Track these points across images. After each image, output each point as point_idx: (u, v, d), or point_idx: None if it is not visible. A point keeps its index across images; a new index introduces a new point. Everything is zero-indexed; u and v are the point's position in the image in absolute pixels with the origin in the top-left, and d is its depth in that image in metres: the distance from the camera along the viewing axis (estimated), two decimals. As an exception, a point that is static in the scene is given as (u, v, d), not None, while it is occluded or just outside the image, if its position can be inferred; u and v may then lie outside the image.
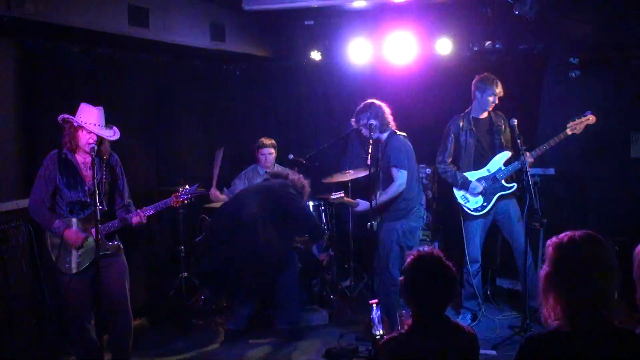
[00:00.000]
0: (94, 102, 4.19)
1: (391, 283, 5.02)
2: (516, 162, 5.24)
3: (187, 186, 4.45)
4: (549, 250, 2.23)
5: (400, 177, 4.94)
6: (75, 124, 4.04)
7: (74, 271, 4.09)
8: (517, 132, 5.20)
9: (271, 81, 7.43)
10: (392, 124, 5.12)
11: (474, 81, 5.40)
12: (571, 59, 5.92)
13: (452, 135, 5.46)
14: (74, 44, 5.21)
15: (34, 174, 4.72)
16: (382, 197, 5.03)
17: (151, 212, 4.27)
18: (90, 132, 4.03)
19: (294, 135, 7.32)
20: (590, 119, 5.16)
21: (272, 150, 6.34)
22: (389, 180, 5.01)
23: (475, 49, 6.17)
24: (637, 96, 5.84)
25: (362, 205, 5.13)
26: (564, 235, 2.21)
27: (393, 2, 5.45)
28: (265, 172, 6.41)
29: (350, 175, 6.04)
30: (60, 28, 4.56)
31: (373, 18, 6.40)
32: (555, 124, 5.72)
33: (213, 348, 5.23)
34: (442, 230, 6.57)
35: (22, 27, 4.50)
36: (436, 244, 6.36)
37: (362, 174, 5.90)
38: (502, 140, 5.39)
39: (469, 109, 5.48)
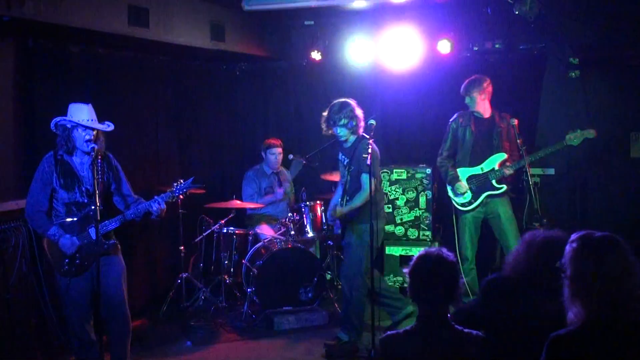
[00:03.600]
0: (94, 102, 4.19)
1: (365, 287, 4.91)
2: (509, 166, 5.30)
3: (181, 180, 4.35)
4: (570, 250, 2.24)
5: (369, 184, 4.68)
6: (69, 125, 4.01)
7: (73, 273, 4.09)
8: (517, 131, 5.21)
9: (271, 81, 7.43)
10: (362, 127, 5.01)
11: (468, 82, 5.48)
12: (571, 59, 5.92)
13: (451, 131, 5.61)
14: (74, 44, 5.20)
15: (34, 174, 4.72)
16: (355, 203, 4.91)
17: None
18: (86, 129, 4.00)
19: (294, 135, 7.32)
20: (592, 133, 5.19)
21: (281, 150, 6.46)
22: (357, 183, 4.89)
23: (475, 49, 6.18)
24: (637, 96, 5.84)
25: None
26: (583, 237, 2.23)
27: (393, 2, 5.45)
28: (272, 172, 6.46)
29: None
30: (60, 28, 4.55)
31: (373, 18, 6.40)
32: (555, 124, 5.74)
33: (213, 348, 5.23)
34: (442, 230, 6.58)
35: (22, 27, 4.49)
36: (436, 245, 6.36)
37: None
38: (501, 142, 5.42)
39: (470, 107, 5.53)
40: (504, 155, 5.40)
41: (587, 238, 2.22)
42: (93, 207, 3.90)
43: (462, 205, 5.59)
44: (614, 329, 2.15)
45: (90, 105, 4.10)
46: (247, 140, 6.97)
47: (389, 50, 6.36)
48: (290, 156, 6.46)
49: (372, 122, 4.94)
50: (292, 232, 5.95)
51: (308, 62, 6.92)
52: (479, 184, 5.48)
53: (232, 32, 6.27)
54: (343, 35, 6.62)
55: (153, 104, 6.18)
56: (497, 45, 6.07)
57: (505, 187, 5.39)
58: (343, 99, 5.00)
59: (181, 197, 4.39)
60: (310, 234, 6.11)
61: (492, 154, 5.44)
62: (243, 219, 6.49)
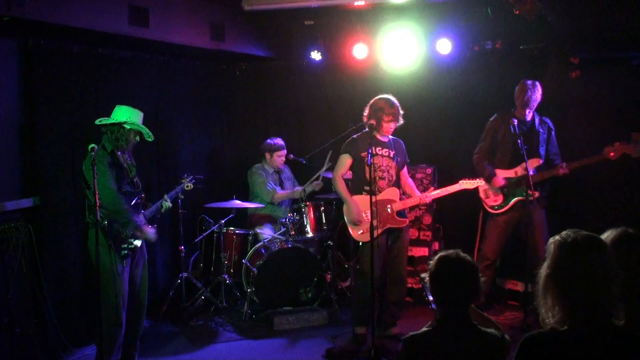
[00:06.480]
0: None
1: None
2: (537, 171, 5.27)
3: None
4: (551, 248, 2.21)
5: None
6: (127, 127, 4.38)
7: (128, 256, 4.41)
8: (518, 132, 5.21)
9: (271, 81, 7.42)
10: None
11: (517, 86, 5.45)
12: (571, 59, 5.92)
13: (490, 131, 5.53)
14: (74, 44, 5.20)
15: (34, 174, 4.72)
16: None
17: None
18: (137, 134, 4.49)
19: (294, 135, 7.31)
20: (631, 149, 5.17)
21: (286, 151, 6.54)
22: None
23: (476, 49, 6.18)
24: (637, 96, 5.84)
25: None
26: (567, 236, 2.19)
27: (393, 2, 5.45)
28: (274, 170, 6.48)
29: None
30: (61, 28, 4.56)
31: (373, 18, 6.40)
32: (555, 125, 5.72)
33: (213, 348, 5.23)
34: (442, 230, 6.58)
35: (22, 27, 4.50)
36: (436, 245, 6.36)
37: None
38: (537, 147, 5.36)
39: (514, 108, 5.51)
40: (539, 160, 5.37)
41: (574, 234, 2.19)
42: (143, 195, 4.61)
43: (492, 207, 5.48)
44: (589, 334, 2.11)
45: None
46: (247, 140, 6.96)
47: (388, 50, 6.36)
48: (291, 156, 6.46)
49: (372, 122, 4.98)
50: (292, 232, 5.95)
51: (308, 62, 6.92)
52: (511, 187, 5.39)
53: (232, 32, 6.27)
54: (343, 35, 6.61)
55: (153, 104, 6.18)
56: (497, 45, 6.07)
57: (538, 193, 5.33)
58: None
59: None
60: (310, 234, 6.12)
61: (528, 159, 5.34)
62: (244, 219, 6.48)
